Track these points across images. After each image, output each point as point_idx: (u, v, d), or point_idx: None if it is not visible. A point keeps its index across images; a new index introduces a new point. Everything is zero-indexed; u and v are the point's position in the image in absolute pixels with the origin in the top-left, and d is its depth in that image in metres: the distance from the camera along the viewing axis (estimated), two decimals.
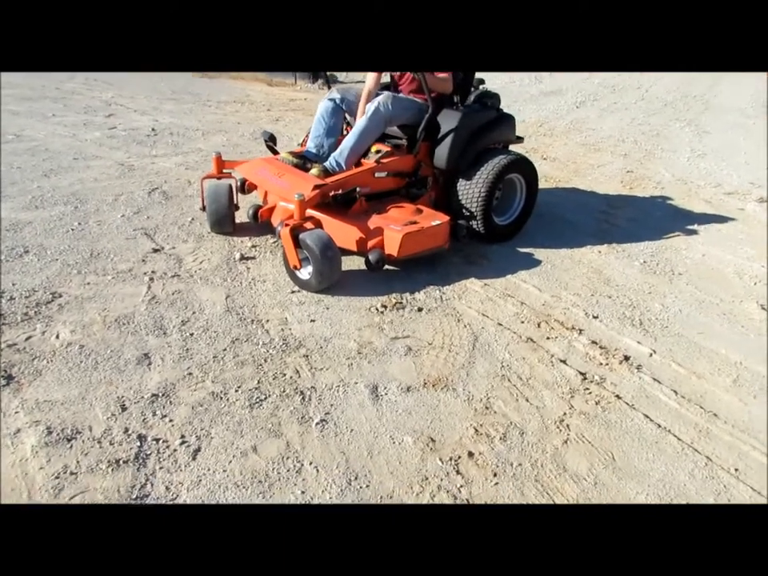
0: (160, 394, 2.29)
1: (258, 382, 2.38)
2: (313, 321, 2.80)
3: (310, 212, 3.19)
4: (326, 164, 3.36)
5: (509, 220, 3.74)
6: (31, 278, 3.03)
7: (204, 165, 4.88)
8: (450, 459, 2.04)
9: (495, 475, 1.98)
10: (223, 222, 3.55)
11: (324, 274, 2.92)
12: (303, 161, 3.47)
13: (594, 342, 2.76)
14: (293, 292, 3.04)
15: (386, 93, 3.45)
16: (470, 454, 2.06)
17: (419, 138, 3.41)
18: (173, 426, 2.13)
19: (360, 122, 3.37)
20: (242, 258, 3.37)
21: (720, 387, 2.51)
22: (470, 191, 3.48)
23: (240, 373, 2.42)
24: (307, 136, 3.71)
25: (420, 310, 2.95)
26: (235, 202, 3.71)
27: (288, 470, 1.95)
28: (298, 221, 2.94)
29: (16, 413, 2.11)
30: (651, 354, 2.71)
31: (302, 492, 1.87)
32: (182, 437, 2.08)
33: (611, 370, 2.57)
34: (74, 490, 1.82)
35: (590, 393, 2.41)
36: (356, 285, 3.13)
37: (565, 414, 2.28)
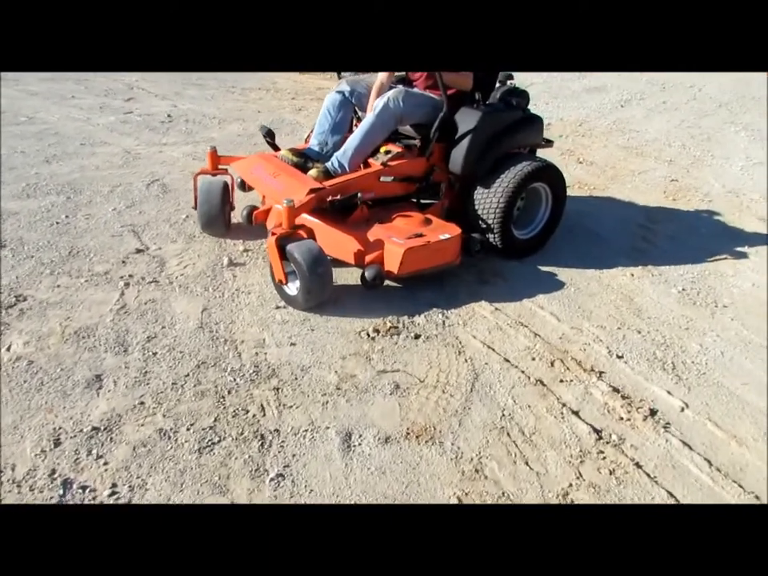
0: (102, 428, 2.00)
1: (216, 419, 2.06)
2: (293, 344, 2.48)
3: (305, 218, 2.86)
4: (328, 164, 3.02)
5: (531, 234, 3.34)
6: None
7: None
8: None
9: None
10: (215, 222, 3.25)
11: (312, 291, 2.58)
12: (304, 159, 3.13)
13: (615, 390, 2.36)
14: (278, 308, 2.72)
15: (398, 87, 3.08)
16: None
17: (432, 138, 3.03)
18: (106, 470, 1.84)
19: (367, 119, 3.01)
20: (231, 263, 3.06)
21: (766, 459, 2.08)
22: (488, 200, 3.09)
23: (197, 406, 2.12)
24: (313, 131, 3.36)
25: (417, 337, 2.59)
26: (231, 200, 3.41)
27: None
28: (286, 229, 2.61)
29: None
30: (683, 409, 2.30)
31: None
32: (113, 485, 1.79)
33: (633, 428, 2.17)
34: None
35: (605, 458, 2.02)
36: (350, 302, 2.79)
37: (570, 485, 1.90)
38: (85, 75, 6.97)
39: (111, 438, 1.96)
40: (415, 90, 3.22)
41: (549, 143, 3.60)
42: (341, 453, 1.95)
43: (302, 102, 6.66)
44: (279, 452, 1.95)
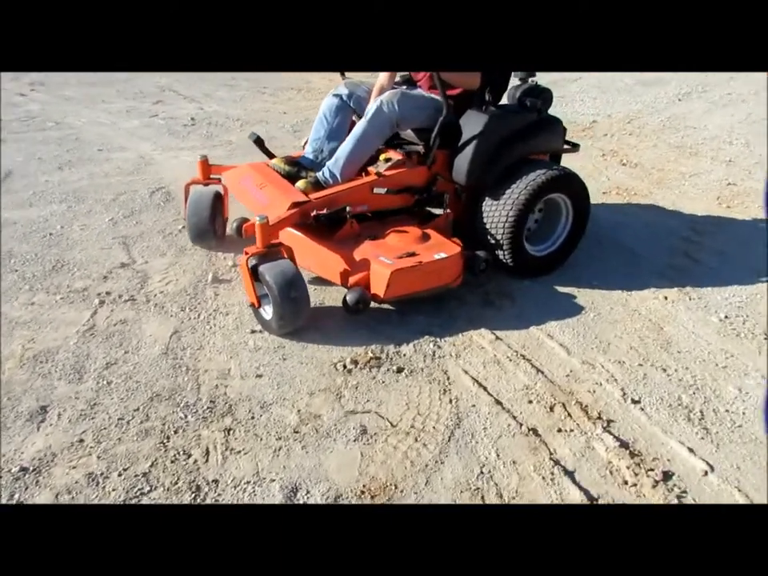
0: (31, 469, 1.83)
1: (152, 464, 1.85)
2: (259, 376, 2.24)
3: (291, 232, 2.63)
4: (319, 174, 2.77)
5: (548, 250, 2.98)
6: None
7: (226, 160, 4.41)
8: None
9: None
10: (204, 235, 3.06)
11: (285, 317, 2.34)
12: (297, 168, 2.89)
13: (623, 445, 2.00)
14: (253, 332, 2.49)
15: (395, 89, 2.79)
16: None
17: (433, 146, 2.73)
18: None
19: (359, 125, 2.74)
20: (215, 279, 2.86)
21: None
22: (497, 213, 2.76)
23: (137, 447, 1.91)
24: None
25: (399, 371, 2.30)
26: (224, 212, 3.21)
27: None
28: (260, 248, 2.37)
29: None
30: (706, 473, 1.92)
31: None
32: None
33: (638, 496, 1.82)
34: None
35: None
36: (332, 327, 2.54)
37: None
38: (120, 77, 7.00)
39: (37, 482, 1.78)
40: (417, 91, 2.92)
41: (574, 147, 3.22)
42: None
43: None
44: None
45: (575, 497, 1.79)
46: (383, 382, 2.24)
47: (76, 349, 2.36)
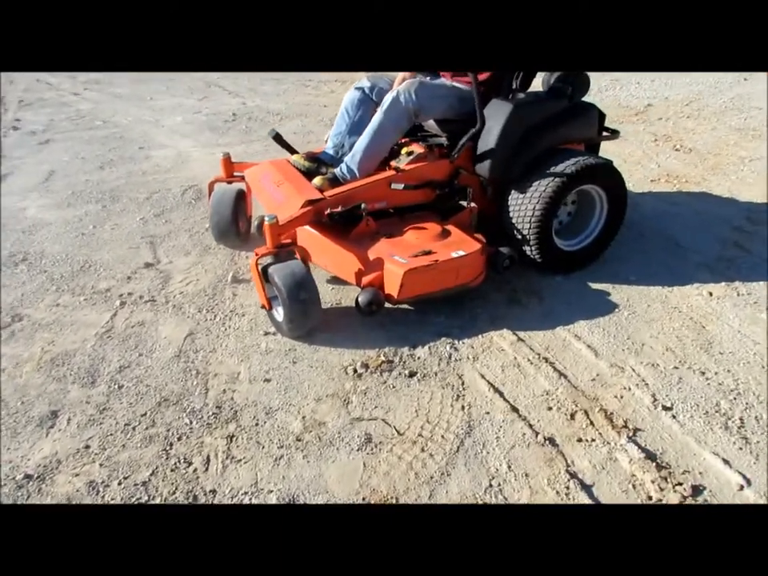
0: (35, 476, 1.84)
1: (153, 472, 1.83)
2: (267, 380, 2.19)
3: (307, 230, 2.56)
4: (337, 170, 2.69)
5: (580, 245, 2.80)
6: (6, 295, 2.77)
7: (262, 155, 4.40)
8: None
9: None
10: (227, 234, 3.03)
11: (294, 320, 2.28)
12: (317, 164, 2.82)
13: (650, 456, 1.85)
14: (266, 334, 2.45)
15: (413, 79, 2.67)
16: None
17: (462, 145, 2.59)
18: None
19: (375, 117, 2.64)
20: (235, 280, 2.84)
21: None
22: (523, 207, 2.61)
23: (140, 455, 1.90)
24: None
25: (412, 375, 2.20)
26: (248, 209, 3.18)
27: None
28: (270, 249, 2.32)
29: None
30: (742, 488, 1.75)
31: None
32: None
33: None
34: None
35: None
36: (347, 328, 2.46)
37: None
38: (171, 75, 7.11)
39: (39, 489, 1.79)
40: (440, 80, 2.78)
41: (613, 134, 3.01)
42: None
43: None
44: None
45: None
46: (394, 387, 2.15)
47: (92, 352, 2.38)
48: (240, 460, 1.87)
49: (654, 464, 1.82)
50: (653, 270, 2.86)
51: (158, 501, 1.74)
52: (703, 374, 2.20)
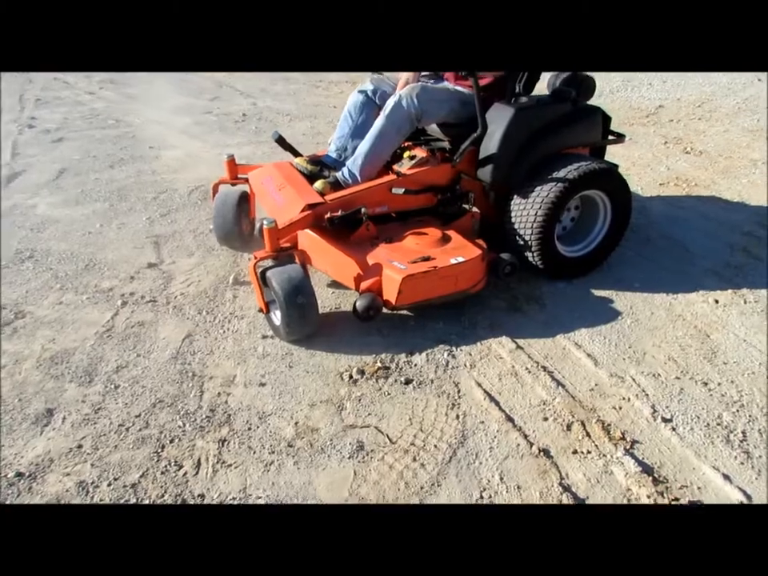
0: (27, 474, 1.85)
1: (143, 475, 1.83)
2: (262, 385, 2.19)
3: (309, 233, 2.55)
4: (338, 174, 2.68)
5: (583, 251, 2.76)
6: (11, 291, 2.79)
7: (270, 157, 4.40)
8: None
9: None
10: (230, 236, 3.04)
11: (292, 324, 2.27)
12: (320, 168, 2.81)
13: (646, 470, 1.81)
14: (264, 337, 2.45)
15: (415, 83, 2.65)
16: None
17: (464, 150, 2.57)
18: None
19: (377, 121, 2.62)
20: (236, 282, 2.83)
21: None
22: (525, 213, 2.58)
23: (131, 456, 1.90)
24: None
25: (408, 382, 2.19)
26: (252, 211, 3.18)
27: None
28: (268, 253, 2.32)
29: None
30: (741, 504, 1.70)
31: None
32: None
33: None
34: None
35: None
36: (345, 333, 2.45)
37: None
38: (182, 75, 7.15)
39: (30, 488, 1.80)
40: (442, 84, 2.76)
41: (619, 138, 2.97)
42: None
43: None
44: None
45: None
46: (389, 394, 2.13)
47: (91, 351, 2.39)
48: (230, 465, 1.86)
49: (651, 478, 1.79)
50: (658, 275, 2.81)
51: (146, 503, 1.73)
52: (705, 384, 2.16)
